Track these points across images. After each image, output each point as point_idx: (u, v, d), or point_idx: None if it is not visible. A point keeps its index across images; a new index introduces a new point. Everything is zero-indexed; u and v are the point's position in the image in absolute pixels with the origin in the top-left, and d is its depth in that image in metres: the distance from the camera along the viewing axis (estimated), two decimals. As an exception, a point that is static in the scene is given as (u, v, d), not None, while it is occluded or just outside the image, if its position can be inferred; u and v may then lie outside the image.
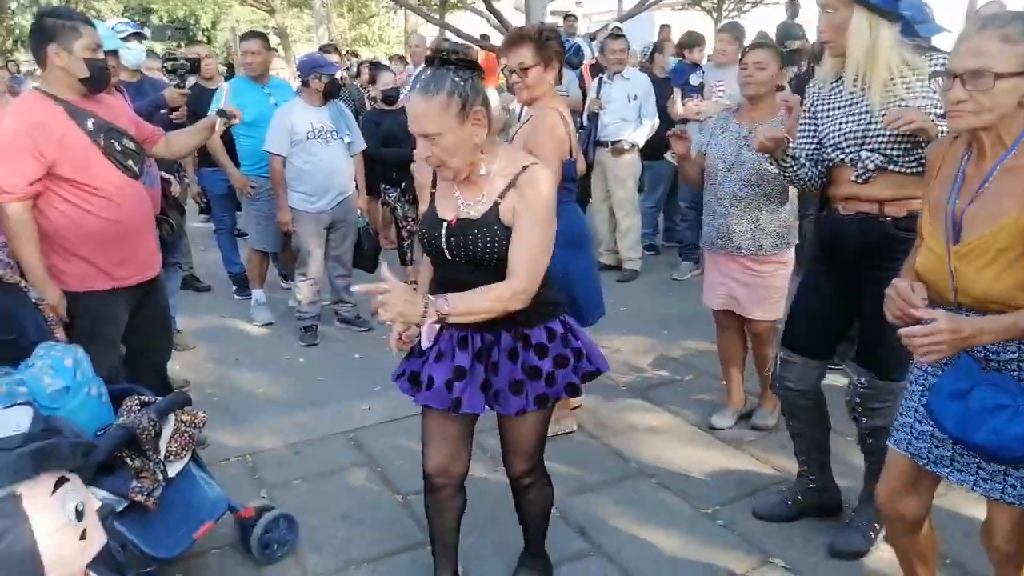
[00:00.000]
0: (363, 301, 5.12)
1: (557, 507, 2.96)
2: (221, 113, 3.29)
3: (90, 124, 2.77)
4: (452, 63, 1.89)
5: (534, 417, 2.17)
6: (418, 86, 1.89)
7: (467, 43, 6.17)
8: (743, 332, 3.53)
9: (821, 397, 2.74)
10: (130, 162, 2.88)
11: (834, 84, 2.47)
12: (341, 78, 5.56)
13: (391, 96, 5.39)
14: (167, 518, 2.45)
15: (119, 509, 2.33)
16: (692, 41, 6.13)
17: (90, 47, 2.74)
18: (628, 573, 2.59)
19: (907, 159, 2.33)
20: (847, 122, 2.41)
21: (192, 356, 4.60)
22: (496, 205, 1.98)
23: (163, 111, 4.13)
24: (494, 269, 1.98)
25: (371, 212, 5.73)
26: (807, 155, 2.57)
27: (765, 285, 3.33)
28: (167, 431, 2.52)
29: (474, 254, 1.99)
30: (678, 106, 5.56)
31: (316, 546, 2.78)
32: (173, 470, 2.51)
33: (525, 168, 1.98)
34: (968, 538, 2.58)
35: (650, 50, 7.35)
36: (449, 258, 2.04)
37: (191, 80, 4.83)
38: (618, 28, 6.14)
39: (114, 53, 3.74)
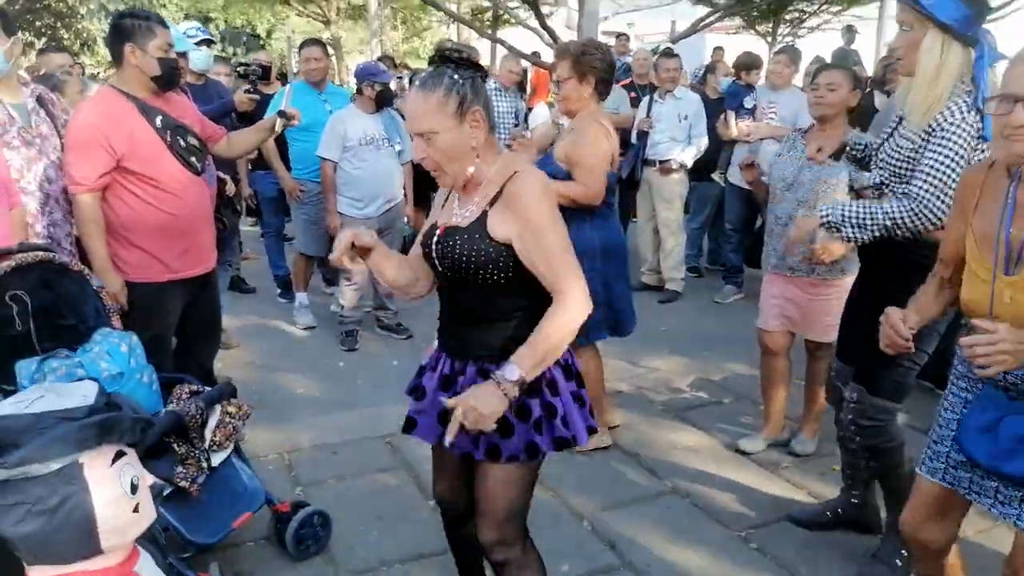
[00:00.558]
0: (404, 308, 5.20)
1: (589, 520, 2.97)
2: (281, 114, 3.38)
3: (159, 121, 2.89)
4: (453, 62, 1.83)
5: (497, 473, 1.91)
6: (417, 84, 1.86)
7: (465, 48, 6.24)
8: (788, 359, 3.49)
9: None
10: (193, 159, 2.99)
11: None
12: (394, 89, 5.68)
13: None
14: (208, 505, 2.51)
15: (164, 493, 2.41)
16: (750, 63, 6.11)
17: (163, 47, 2.86)
18: (658, 590, 2.58)
19: (894, 190, 2.37)
20: (887, 143, 2.46)
21: (234, 355, 4.70)
22: (484, 215, 1.85)
23: (232, 114, 4.25)
24: (479, 285, 1.86)
25: (418, 221, 5.81)
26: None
27: (820, 308, 3.27)
28: (213, 421, 2.59)
29: (457, 265, 1.86)
30: (731, 127, 5.55)
31: (348, 545, 2.82)
32: (216, 459, 2.58)
33: (514, 175, 1.85)
34: None
35: (702, 72, 7.36)
36: (440, 269, 1.93)
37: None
38: (670, 48, 6.15)
39: (183, 55, 3.88)
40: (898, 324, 1.84)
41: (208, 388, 2.68)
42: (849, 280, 3.24)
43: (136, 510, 1.43)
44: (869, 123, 4.82)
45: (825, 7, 16.76)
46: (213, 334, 3.42)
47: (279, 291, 5.79)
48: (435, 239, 1.92)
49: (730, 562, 2.71)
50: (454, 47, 1.85)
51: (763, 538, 2.85)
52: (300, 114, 3.50)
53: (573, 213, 3.20)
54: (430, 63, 1.89)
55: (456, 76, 1.80)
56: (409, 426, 2.05)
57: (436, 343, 2.08)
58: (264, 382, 4.33)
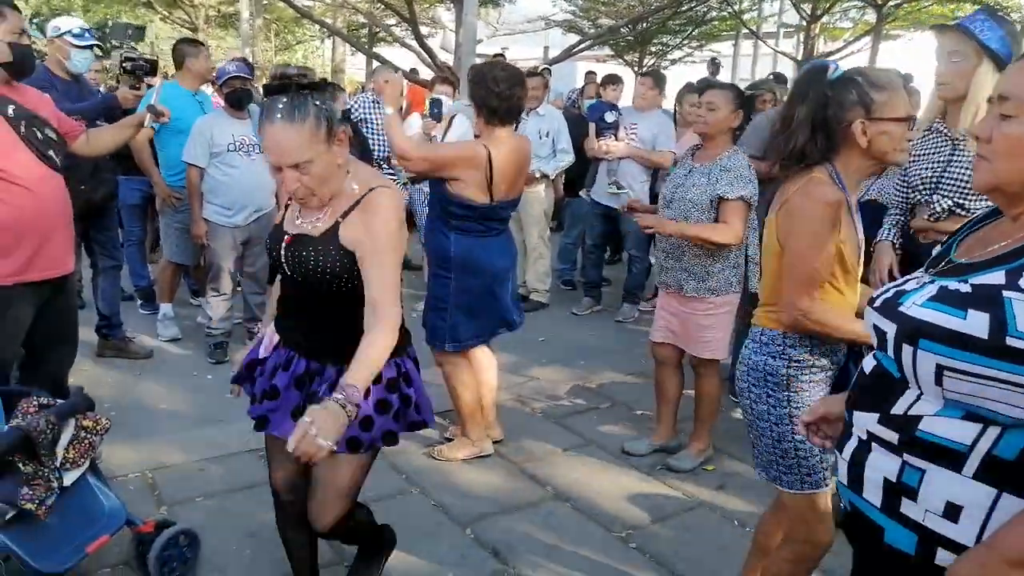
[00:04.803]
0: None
1: (472, 528, 2.95)
2: (151, 109, 3.17)
3: (10, 111, 2.65)
4: (306, 87, 1.86)
5: (346, 461, 2.05)
6: (278, 116, 1.81)
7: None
8: (680, 369, 3.56)
9: None
10: (51, 152, 2.75)
11: (926, 132, 2.72)
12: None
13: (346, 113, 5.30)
14: (59, 529, 2.31)
15: (7, 518, 2.19)
16: (609, 79, 6.39)
17: (14, 31, 2.64)
18: (542, 593, 2.59)
19: (976, 206, 2.55)
20: (926, 168, 2.68)
21: (90, 371, 4.36)
22: (336, 225, 1.93)
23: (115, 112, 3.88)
24: (326, 288, 1.96)
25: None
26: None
27: (696, 324, 3.36)
28: (65, 436, 2.39)
29: (310, 272, 1.95)
30: (593, 143, 5.75)
31: (218, 565, 2.66)
32: (69, 478, 2.38)
33: (371, 190, 1.94)
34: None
35: (576, 94, 7.60)
36: (288, 273, 2.02)
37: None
38: (534, 68, 6.30)
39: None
40: None
41: (60, 401, 2.47)
42: (722, 299, 3.35)
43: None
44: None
45: (685, 42, 17.80)
46: (66, 344, 3.13)
47: (140, 303, 5.46)
48: (282, 246, 1.99)
49: (611, 563, 2.76)
50: (298, 72, 1.92)
51: (642, 538, 2.93)
52: (170, 112, 3.30)
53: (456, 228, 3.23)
54: (268, 92, 1.87)
55: (318, 101, 1.83)
56: (262, 424, 2.12)
57: (275, 336, 2.13)
58: (124, 398, 4.04)
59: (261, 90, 2.30)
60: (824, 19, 12.74)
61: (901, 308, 1.25)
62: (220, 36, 20.38)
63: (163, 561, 2.53)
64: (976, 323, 1.13)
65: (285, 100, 1.81)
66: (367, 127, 6.02)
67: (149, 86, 3.93)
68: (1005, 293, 1.12)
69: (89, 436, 2.44)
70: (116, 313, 4.59)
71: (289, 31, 21.43)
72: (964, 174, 2.59)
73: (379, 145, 5.83)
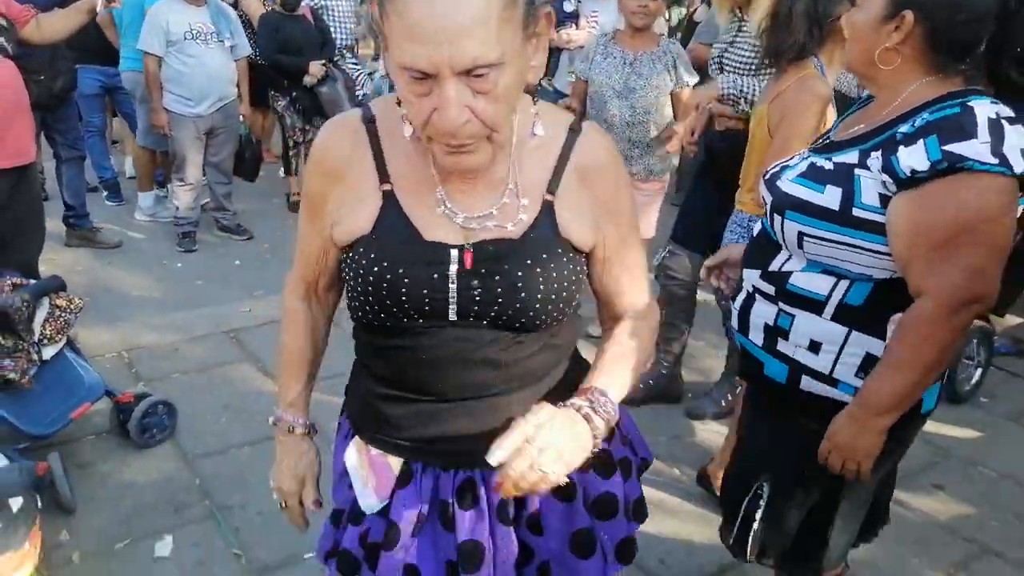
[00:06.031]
0: (244, 209, 5.09)
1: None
2: (104, -8, 3.15)
3: (-48, -6, 2.64)
4: None
5: None
6: None
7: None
8: None
9: (695, 292, 3.09)
10: (1, 40, 2.76)
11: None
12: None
13: (291, 1, 5.15)
14: (43, 398, 2.49)
15: (-8, 387, 2.36)
16: None
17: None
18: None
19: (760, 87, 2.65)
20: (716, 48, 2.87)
21: (59, 259, 4.43)
22: (549, 208, 1.05)
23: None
24: (548, 324, 1.07)
25: (255, 122, 5.60)
26: None
27: (647, 203, 3.47)
28: (41, 314, 2.53)
29: (535, 304, 1.03)
30: (552, 34, 5.68)
31: (195, 432, 2.86)
32: (48, 353, 2.54)
33: (576, 132, 1.08)
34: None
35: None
36: (455, 318, 1.04)
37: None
38: None
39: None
40: None
41: (33, 281, 2.60)
42: (668, 176, 3.55)
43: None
44: (691, 35, 5.13)
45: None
46: (34, 231, 3.21)
47: (105, 194, 5.48)
48: (454, 271, 1.02)
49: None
50: None
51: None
52: (124, -3, 3.27)
53: None
54: None
55: None
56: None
57: (390, 462, 1.14)
58: (95, 284, 4.16)
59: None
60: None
61: (777, 182, 1.45)
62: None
63: (143, 428, 2.74)
64: (830, 197, 1.33)
65: None
66: (327, 14, 5.88)
67: None
68: (856, 171, 1.32)
69: (64, 314, 2.59)
70: (82, 203, 4.65)
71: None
72: (741, 54, 2.74)
73: (342, 33, 5.69)
